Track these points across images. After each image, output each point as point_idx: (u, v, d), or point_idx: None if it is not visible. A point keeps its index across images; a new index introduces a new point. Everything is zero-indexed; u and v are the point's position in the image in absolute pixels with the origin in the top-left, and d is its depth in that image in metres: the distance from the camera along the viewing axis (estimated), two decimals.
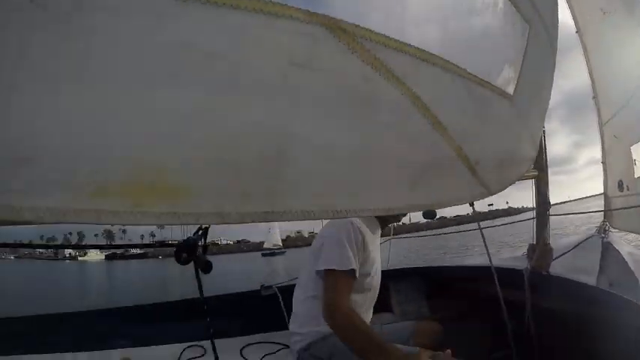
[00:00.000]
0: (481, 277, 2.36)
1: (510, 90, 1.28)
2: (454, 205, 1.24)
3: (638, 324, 1.85)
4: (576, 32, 3.91)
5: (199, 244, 1.13)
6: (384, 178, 1.00)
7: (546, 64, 1.64)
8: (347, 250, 1.85)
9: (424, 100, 0.94)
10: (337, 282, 1.83)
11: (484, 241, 2.01)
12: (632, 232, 3.90)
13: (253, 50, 0.72)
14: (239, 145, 0.76)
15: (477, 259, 3.78)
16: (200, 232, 1.15)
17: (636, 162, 3.61)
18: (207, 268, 1.16)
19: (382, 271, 2.32)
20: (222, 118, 0.72)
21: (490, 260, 2.16)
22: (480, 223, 2.46)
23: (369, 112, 0.91)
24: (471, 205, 1.71)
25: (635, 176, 3.62)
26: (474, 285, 2.80)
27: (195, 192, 0.73)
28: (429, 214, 2.08)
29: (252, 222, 0.77)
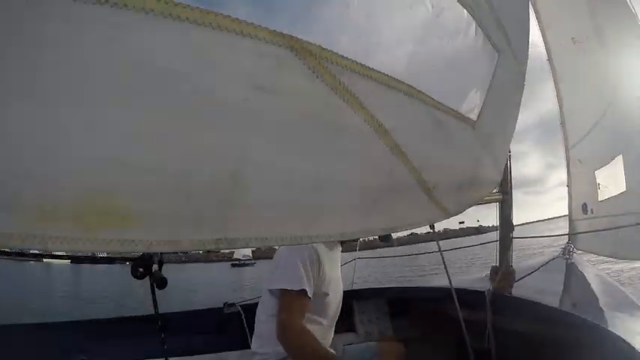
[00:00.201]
0: (444, 298, 2.40)
1: (474, 116, 1.31)
2: (410, 228, 1.26)
3: (597, 346, 1.91)
4: (547, 60, 4.04)
5: (156, 259, 1.13)
6: (340, 204, 1.00)
7: (513, 92, 1.68)
8: (299, 270, 1.84)
9: (386, 127, 0.94)
10: (290, 302, 1.83)
11: (444, 262, 2.04)
12: (595, 253, 4.04)
13: (214, 70, 0.70)
14: (192, 170, 0.73)
15: (444, 280, 3.84)
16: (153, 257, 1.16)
17: (600, 186, 3.74)
18: (162, 284, 1.17)
19: (346, 291, 2.32)
20: (176, 141, 0.70)
21: (450, 282, 2.19)
22: (452, 240, 2.49)
23: (330, 138, 0.90)
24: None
25: (599, 200, 3.75)
26: (436, 306, 2.83)
27: (147, 218, 0.71)
28: (385, 237, 2.09)
29: (205, 249, 0.77)
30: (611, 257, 3.76)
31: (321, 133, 0.88)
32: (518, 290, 2.88)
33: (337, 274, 2.17)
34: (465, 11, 1.11)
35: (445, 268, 2.06)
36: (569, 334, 2.16)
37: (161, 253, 1.18)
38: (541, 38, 4.04)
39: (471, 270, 3.79)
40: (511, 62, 1.54)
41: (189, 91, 0.68)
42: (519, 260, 3.36)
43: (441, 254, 2.02)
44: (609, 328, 2.02)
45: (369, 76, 0.89)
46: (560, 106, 4.10)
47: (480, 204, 2.25)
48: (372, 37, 0.94)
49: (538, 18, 4.09)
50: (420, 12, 1.01)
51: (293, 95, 0.80)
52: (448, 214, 1.43)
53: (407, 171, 1.06)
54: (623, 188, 3.38)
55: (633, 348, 1.56)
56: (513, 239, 2.70)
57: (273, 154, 0.82)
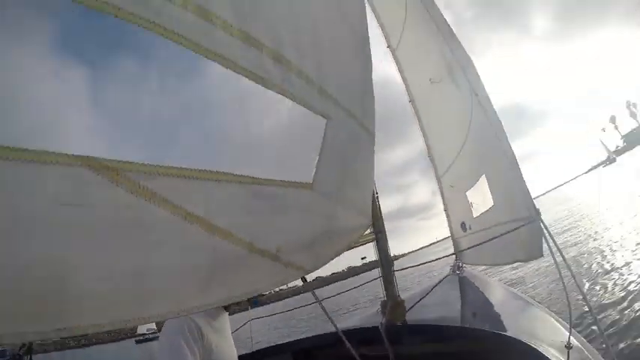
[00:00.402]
0: (341, 341, 2.47)
1: (308, 179, 1.43)
2: (260, 292, 1.32)
3: (497, 351, 2.09)
4: (409, 101, 4.49)
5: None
6: (168, 286, 1.07)
7: (357, 146, 1.85)
8: (180, 344, 1.82)
9: (197, 214, 1.03)
10: None
11: (325, 311, 2.11)
12: (480, 264, 4.40)
13: (25, 196, 0.79)
14: (24, 276, 0.81)
15: (349, 321, 3.90)
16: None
17: (472, 205, 4.14)
18: None
19: (247, 354, 2.30)
20: (6, 254, 0.78)
21: (336, 327, 2.26)
22: (361, 275, 2.59)
23: (140, 234, 0.98)
24: (304, 280, 1.80)
25: (474, 217, 4.13)
26: (338, 350, 2.88)
27: None
28: (254, 302, 2.13)
29: (48, 339, 0.85)
30: (493, 265, 4.12)
31: (131, 231, 0.96)
32: (420, 314, 3.05)
33: (226, 341, 2.15)
34: (274, 93, 1.22)
35: (327, 315, 2.13)
36: (467, 346, 2.34)
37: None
38: (402, 82, 4.47)
39: (375, 304, 3.96)
40: (347, 121, 1.71)
41: (10, 218, 0.78)
42: (414, 285, 3.56)
43: (320, 304, 2.10)
44: (506, 332, 2.23)
45: (167, 174, 0.99)
46: (426, 141, 4.53)
47: (355, 247, 2.38)
48: (169, 139, 1.04)
49: (398, 65, 4.56)
50: (226, 102, 1.12)
51: (98, 204, 0.89)
52: (306, 271, 1.52)
53: (234, 245, 1.14)
54: (491, 203, 3.76)
55: (531, 347, 1.73)
56: (396, 272, 2.85)
57: (91, 254, 0.90)
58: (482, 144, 3.74)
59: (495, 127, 2.94)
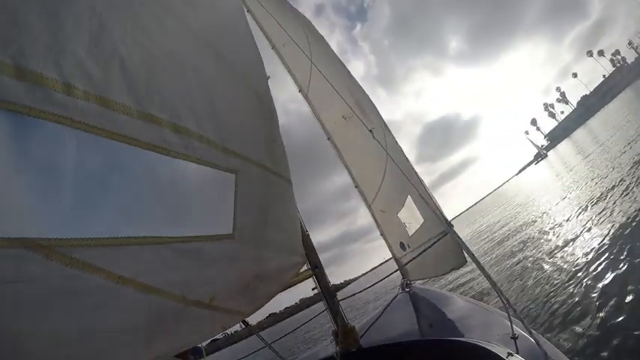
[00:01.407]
0: None
1: (228, 230, 1.55)
2: (202, 341, 1.41)
3: (450, 356, 2.19)
4: (328, 139, 4.75)
5: None
6: (115, 346, 1.16)
7: (272, 191, 2.00)
8: None
9: (128, 276, 1.12)
10: None
11: (275, 352, 2.16)
12: (425, 278, 4.60)
13: None
14: None
15: (305, 356, 3.90)
16: None
17: (406, 225, 4.37)
18: None
19: None
20: None
21: None
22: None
23: (80, 301, 1.09)
24: (245, 324, 1.88)
25: (409, 235, 4.35)
26: None
27: None
28: (194, 351, 2.17)
29: None
30: (435, 276, 4.33)
31: (69, 298, 1.07)
32: (379, 335, 3.14)
33: None
34: (179, 160, 1.36)
35: (278, 355, 2.18)
36: (423, 357, 2.44)
37: None
38: (319, 123, 4.73)
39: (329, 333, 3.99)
40: (257, 172, 1.87)
41: None
42: (367, 312, 3.64)
43: (269, 346, 2.16)
44: (462, 335, 2.35)
45: (96, 245, 1.09)
46: (350, 173, 4.78)
47: (294, 285, 2.48)
48: (92, 215, 1.17)
49: (312, 107, 4.83)
50: (138, 175, 1.25)
51: (37, 279, 1.00)
52: (244, 315, 1.62)
53: (167, 300, 1.25)
54: (421, 220, 4.00)
55: (485, 349, 1.85)
56: (346, 299, 2.95)
57: (38, 323, 1.00)
58: (400, 167, 4.00)
59: (402, 155, 3.22)
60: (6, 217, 0.99)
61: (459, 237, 2.40)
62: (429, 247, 2.89)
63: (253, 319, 2.20)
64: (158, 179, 1.34)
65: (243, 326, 1.89)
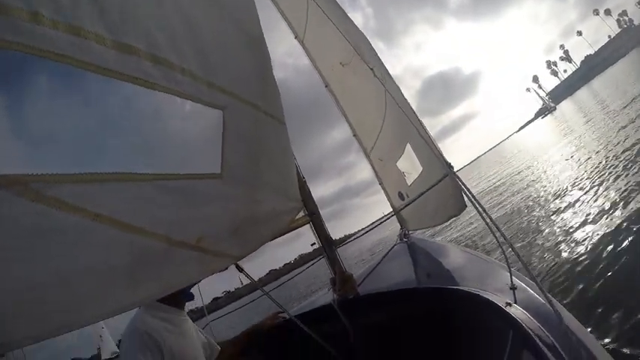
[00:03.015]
0: (299, 327, 2.50)
1: (216, 169, 1.49)
2: (188, 284, 1.38)
3: (447, 305, 2.21)
4: (326, 87, 4.62)
5: None
6: (95, 287, 1.11)
7: (264, 131, 1.92)
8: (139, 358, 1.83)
9: (107, 214, 1.07)
10: None
11: (273, 300, 2.15)
12: (422, 228, 4.61)
13: None
14: None
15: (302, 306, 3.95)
16: None
17: (404, 174, 4.33)
18: None
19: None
20: None
21: (286, 312, 2.32)
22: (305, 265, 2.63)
23: (54, 242, 1.03)
24: (238, 268, 1.86)
25: (409, 185, 4.32)
26: (294, 334, 2.94)
27: None
28: (187, 295, 2.15)
29: None
30: (434, 225, 4.34)
31: (43, 238, 1.01)
32: (376, 284, 3.17)
33: (188, 343, 2.16)
34: (160, 93, 1.28)
35: (276, 303, 2.19)
36: (420, 305, 2.47)
37: None
38: (316, 71, 4.59)
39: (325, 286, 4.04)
40: (247, 111, 1.78)
41: None
42: (366, 261, 3.67)
43: (267, 295, 2.16)
44: (459, 285, 2.36)
45: (75, 181, 1.02)
46: (348, 121, 4.67)
47: (290, 231, 2.46)
48: (66, 150, 1.08)
49: (308, 54, 4.67)
50: (114, 108, 1.17)
51: (6, 218, 0.93)
52: (235, 258, 1.58)
53: (150, 240, 1.19)
54: (420, 168, 3.95)
55: (483, 297, 1.85)
56: (337, 248, 2.95)
57: (10, 266, 0.95)
58: (400, 114, 3.91)
59: (401, 95, 3.12)
60: None
61: (459, 178, 2.34)
62: (428, 190, 2.84)
63: (254, 276, 2.19)
64: (137, 112, 1.26)
65: (244, 282, 1.87)
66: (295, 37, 4.64)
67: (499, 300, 1.78)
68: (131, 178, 1.16)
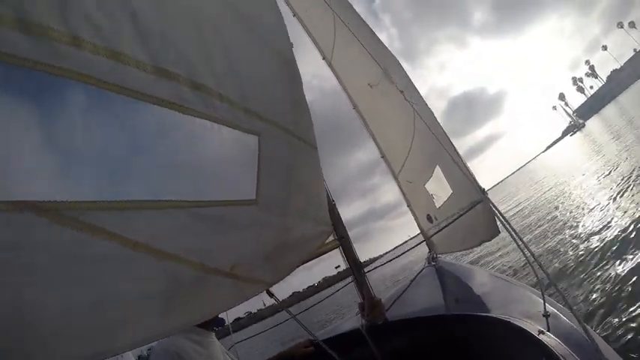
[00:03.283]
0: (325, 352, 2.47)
1: (252, 195, 1.47)
2: (222, 311, 1.35)
3: (476, 331, 2.14)
4: (353, 108, 4.61)
5: None
6: (130, 315, 1.10)
7: (296, 156, 1.90)
8: None
9: (142, 242, 1.06)
10: None
11: (301, 324, 2.12)
12: (452, 252, 4.51)
13: None
14: None
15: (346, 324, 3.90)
16: None
17: (433, 196, 4.25)
18: None
19: None
20: None
21: (313, 335, 2.28)
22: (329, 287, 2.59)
23: (90, 269, 1.03)
24: (269, 294, 1.83)
25: (437, 207, 4.24)
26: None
27: None
28: (217, 323, 2.13)
29: None
30: (463, 249, 4.23)
31: (80, 265, 1.01)
32: (405, 309, 3.09)
33: None
34: (199, 119, 1.28)
35: (304, 327, 2.15)
36: (449, 332, 2.39)
37: None
38: (343, 92, 4.60)
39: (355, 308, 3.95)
40: (281, 136, 1.77)
41: None
42: (392, 286, 3.59)
43: (295, 318, 2.12)
44: (489, 311, 2.29)
45: (111, 208, 1.01)
46: (377, 143, 4.65)
47: (320, 255, 2.42)
48: (104, 177, 1.09)
49: (336, 75, 4.69)
50: (153, 134, 1.17)
51: (45, 244, 0.93)
52: (267, 284, 1.55)
53: (185, 268, 1.19)
54: (450, 191, 3.87)
55: (515, 325, 1.79)
56: (370, 271, 2.90)
57: (46, 293, 0.94)
58: (430, 136, 3.87)
59: (432, 117, 3.08)
60: (7, 179, 0.92)
61: (494, 205, 2.28)
62: (460, 215, 2.77)
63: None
64: (175, 139, 1.26)
65: (266, 304, 1.84)
66: (323, 59, 4.66)
67: (531, 327, 1.72)
68: (167, 205, 1.16)
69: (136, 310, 1.10)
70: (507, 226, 2.13)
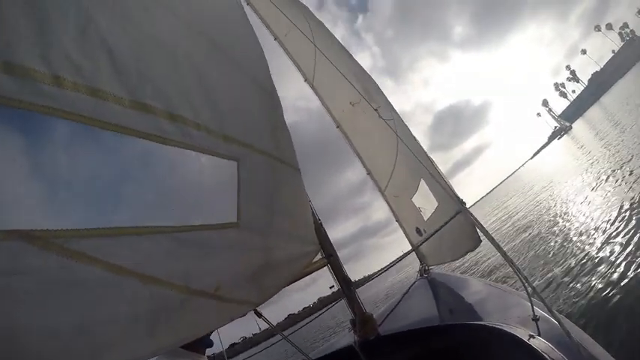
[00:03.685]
0: None
1: (233, 218, 1.53)
2: (208, 331, 1.39)
3: (469, 340, 2.16)
4: (337, 127, 4.70)
5: None
6: (116, 338, 1.14)
7: (278, 179, 1.96)
8: None
9: (128, 267, 1.11)
10: None
11: (293, 345, 2.14)
12: (442, 263, 4.55)
13: None
14: None
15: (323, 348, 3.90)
16: None
17: (421, 209, 4.31)
18: None
19: None
20: None
21: (306, 355, 2.30)
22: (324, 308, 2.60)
23: (77, 292, 1.07)
24: (257, 314, 1.86)
25: (425, 220, 4.29)
26: None
27: None
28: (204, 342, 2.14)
29: None
30: (453, 260, 4.27)
31: (67, 290, 1.06)
32: (399, 322, 3.10)
33: None
34: (177, 148, 1.34)
35: (296, 347, 2.16)
36: (442, 343, 2.42)
37: None
38: (326, 111, 4.69)
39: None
40: (261, 160, 1.83)
41: None
42: (387, 298, 3.60)
43: (286, 339, 2.14)
44: (482, 320, 2.32)
45: (95, 235, 1.06)
46: (362, 160, 4.72)
47: (308, 274, 2.45)
48: (88, 206, 1.14)
49: (319, 96, 4.79)
50: (132, 164, 1.23)
51: (35, 270, 0.99)
52: (253, 304, 1.59)
53: (169, 291, 1.22)
54: (436, 203, 3.93)
55: (507, 332, 1.82)
56: (357, 288, 2.92)
57: (34, 316, 0.99)
58: (411, 151, 3.94)
59: (409, 133, 3.16)
60: (1, 209, 0.99)
61: (472, 215, 2.34)
62: (441, 227, 2.82)
63: (272, 321, 2.18)
64: (155, 168, 1.32)
65: (262, 327, 1.87)
66: (305, 80, 4.76)
67: (522, 333, 1.75)
68: (150, 231, 1.21)
69: (122, 333, 1.14)
70: (486, 234, 2.19)
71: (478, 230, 2.46)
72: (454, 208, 2.87)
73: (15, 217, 0.97)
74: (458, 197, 2.60)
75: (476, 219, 2.28)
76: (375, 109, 3.04)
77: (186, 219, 1.34)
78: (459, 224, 3.17)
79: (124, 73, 1.26)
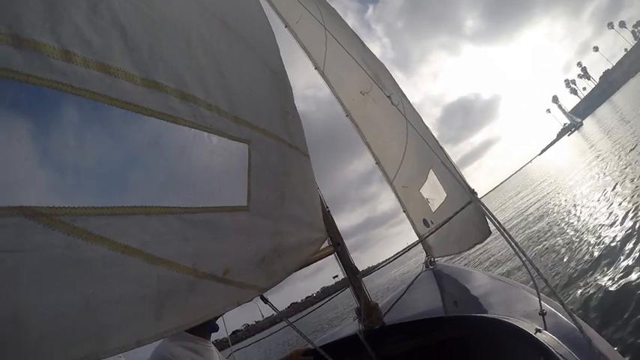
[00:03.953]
0: (322, 357, 2.48)
1: (243, 202, 1.51)
2: (215, 315, 1.38)
3: (474, 332, 2.15)
4: (346, 116, 4.67)
5: None
6: (122, 318, 1.13)
7: (288, 164, 1.95)
8: None
9: (134, 246, 1.09)
10: None
11: (298, 331, 2.13)
12: (449, 255, 4.52)
13: None
14: None
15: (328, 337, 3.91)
16: None
17: (429, 200, 4.28)
18: None
19: None
20: None
21: (311, 342, 2.29)
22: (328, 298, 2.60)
23: (83, 271, 1.05)
24: (264, 300, 1.84)
25: (433, 211, 4.27)
26: None
27: None
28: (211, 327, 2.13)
29: None
30: (460, 252, 4.25)
31: (73, 270, 1.03)
32: (404, 313, 3.10)
33: None
34: (187, 128, 1.32)
35: (301, 334, 2.16)
36: (446, 335, 2.41)
37: None
38: (337, 101, 4.65)
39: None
40: (272, 144, 1.81)
41: None
42: (391, 290, 3.59)
43: (292, 325, 2.13)
44: (487, 312, 2.31)
45: (103, 213, 1.06)
46: (370, 149, 4.69)
47: (315, 261, 2.44)
48: (95, 183, 1.12)
49: (329, 84, 4.75)
50: (142, 143, 1.21)
51: (38, 248, 0.96)
52: (261, 289, 1.57)
53: (177, 272, 1.21)
54: (444, 194, 3.91)
55: (512, 324, 1.81)
56: (363, 278, 2.91)
57: (39, 295, 0.96)
58: (421, 140, 3.90)
59: (421, 122, 3.12)
60: (4, 186, 0.96)
61: (483, 205, 2.31)
62: (451, 217, 2.79)
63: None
64: (164, 147, 1.30)
65: (264, 315, 1.86)
66: (315, 68, 4.72)
67: (528, 327, 1.73)
68: (159, 211, 1.19)
69: (128, 313, 1.13)
70: (498, 225, 2.15)
71: (489, 221, 2.42)
72: (464, 198, 2.84)
73: (19, 194, 0.95)
74: (469, 187, 2.56)
75: (488, 209, 2.25)
76: (388, 96, 3.00)
77: (196, 200, 1.32)
78: (468, 216, 3.14)
79: (136, 51, 1.24)
